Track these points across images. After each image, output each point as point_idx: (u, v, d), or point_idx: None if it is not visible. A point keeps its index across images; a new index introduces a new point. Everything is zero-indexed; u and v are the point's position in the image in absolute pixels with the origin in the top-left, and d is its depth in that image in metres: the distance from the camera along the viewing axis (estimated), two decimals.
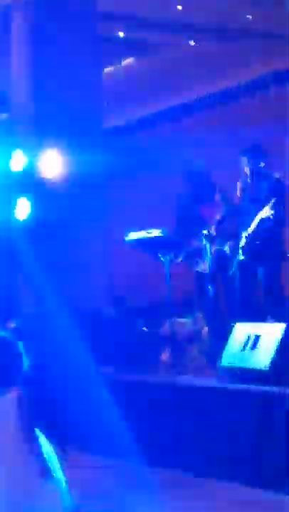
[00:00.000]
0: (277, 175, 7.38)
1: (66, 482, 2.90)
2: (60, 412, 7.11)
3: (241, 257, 7.23)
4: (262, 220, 7.07)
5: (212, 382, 6.22)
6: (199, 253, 7.48)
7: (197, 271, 7.82)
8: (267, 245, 7.17)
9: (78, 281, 8.66)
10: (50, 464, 2.82)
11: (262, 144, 7.69)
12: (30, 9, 9.07)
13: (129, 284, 10.58)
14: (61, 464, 2.95)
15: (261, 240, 7.13)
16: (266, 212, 7.01)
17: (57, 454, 2.97)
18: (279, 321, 6.29)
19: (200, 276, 7.74)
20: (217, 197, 7.73)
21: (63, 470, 2.94)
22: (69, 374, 7.43)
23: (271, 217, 7.00)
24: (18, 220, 8.92)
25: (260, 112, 11.94)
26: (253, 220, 7.15)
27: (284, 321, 6.18)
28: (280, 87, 12.28)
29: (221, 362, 6.33)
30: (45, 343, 7.70)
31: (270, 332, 6.05)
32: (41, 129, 8.94)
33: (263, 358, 5.95)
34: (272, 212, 6.97)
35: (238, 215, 7.42)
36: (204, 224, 7.58)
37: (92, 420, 6.92)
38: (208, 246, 7.21)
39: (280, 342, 5.92)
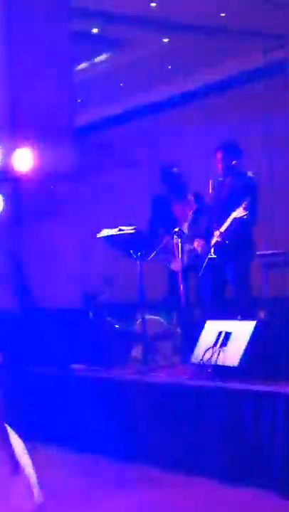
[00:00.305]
0: (250, 173, 7.41)
1: (37, 479, 2.92)
2: (31, 409, 7.11)
3: (212, 256, 7.26)
4: (235, 220, 7.10)
5: (183, 379, 6.25)
6: (171, 251, 7.51)
7: (169, 269, 7.87)
8: (238, 245, 7.21)
9: (50, 277, 8.66)
10: (20, 462, 2.83)
11: (235, 141, 7.73)
12: (3, 5, 9.02)
13: (102, 281, 10.59)
14: (32, 462, 2.96)
15: (233, 240, 7.17)
16: (239, 212, 7.04)
17: (27, 451, 2.98)
18: (248, 319, 6.34)
19: (172, 274, 7.78)
20: (190, 195, 7.78)
21: (34, 467, 2.96)
22: (40, 370, 7.44)
23: (245, 217, 7.03)
24: None
25: (233, 109, 12.02)
26: (224, 218, 7.18)
27: (253, 319, 6.24)
28: (250, 84, 12.39)
29: (191, 359, 6.36)
30: (16, 339, 7.71)
31: (240, 329, 6.10)
32: (14, 125, 8.92)
33: (233, 355, 6.00)
34: (246, 213, 7.01)
35: (210, 213, 7.46)
36: (177, 222, 7.62)
37: (63, 417, 6.93)
38: (180, 244, 7.24)
39: (250, 339, 5.97)
